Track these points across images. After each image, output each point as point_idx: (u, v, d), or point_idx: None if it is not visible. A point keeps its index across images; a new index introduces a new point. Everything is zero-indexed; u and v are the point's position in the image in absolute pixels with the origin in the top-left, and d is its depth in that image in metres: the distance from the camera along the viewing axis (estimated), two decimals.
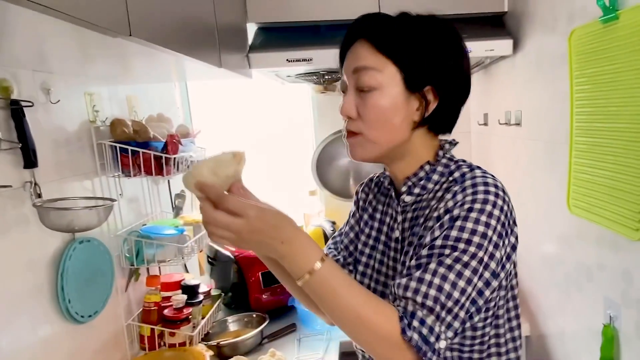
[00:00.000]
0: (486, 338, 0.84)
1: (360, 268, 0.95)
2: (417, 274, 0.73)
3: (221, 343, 1.45)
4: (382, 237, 0.93)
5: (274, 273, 0.93)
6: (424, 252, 0.75)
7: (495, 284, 0.75)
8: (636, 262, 0.99)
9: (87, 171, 1.21)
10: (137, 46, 0.81)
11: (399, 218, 0.89)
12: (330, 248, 1.03)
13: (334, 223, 2.13)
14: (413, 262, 0.76)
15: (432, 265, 0.73)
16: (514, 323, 0.88)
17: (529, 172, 1.57)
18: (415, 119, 0.82)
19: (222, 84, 2.18)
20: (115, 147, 1.24)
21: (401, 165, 0.87)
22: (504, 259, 0.77)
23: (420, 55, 0.79)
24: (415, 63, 0.79)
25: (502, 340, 0.86)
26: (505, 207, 0.76)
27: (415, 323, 0.70)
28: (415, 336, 0.69)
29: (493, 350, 0.85)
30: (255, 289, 1.66)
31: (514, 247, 0.79)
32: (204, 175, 0.70)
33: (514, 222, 0.79)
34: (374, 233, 0.95)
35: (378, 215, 0.96)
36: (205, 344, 1.43)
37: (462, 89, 0.85)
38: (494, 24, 1.70)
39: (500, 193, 0.77)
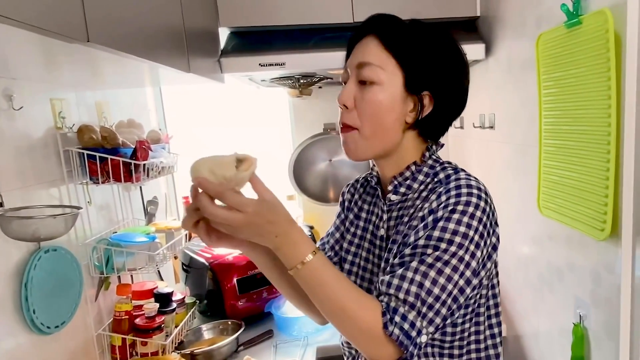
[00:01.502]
0: (466, 334, 0.87)
1: (346, 266, 0.97)
2: (400, 271, 0.76)
3: (195, 351, 1.43)
4: (368, 236, 0.96)
5: (260, 268, 0.95)
6: (407, 251, 0.78)
7: (475, 282, 0.78)
8: (603, 262, 1.00)
9: (53, 179, 1.18)
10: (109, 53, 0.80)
11: (385, 217, 0.91)
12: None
13: (312, 228, 2.13)
14: (396, 260, 0.79)
15: (414, 264, 0.75)
16: (494, 320, 0.90)
17: (503, 174, 1.59)
18: (408, 121, 0.85)
19: (198, 88, 2.16)
20: (83, 153, 1.21)
21: (390, 165, 0.90)
22: (485, 258, 0.80)
23: (424, 60, 0.83)
24: (418, 66, 0.82)
25: (481, 336, 0.89)
26: (487, 209, 0.79)
27: (397, 319, 0.73)
28: (397, 331, 0.72)
29: (473, 346, 0.88)
30: (231, 295, 1.64)
31: (494, 247, 0.83)
32: (201, 171, 0.71)
33: (496, 223, 0.83)
34: (359, 232, 0.98)
35: (364, 215, 0.98)
36: (178, 353, 1.40)
37: (457, 101, 0.89)
38: (467, 29, 1.72)
39: (483, 195, 0.80)
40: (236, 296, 1.66)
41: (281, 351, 1.54)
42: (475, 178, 0.83)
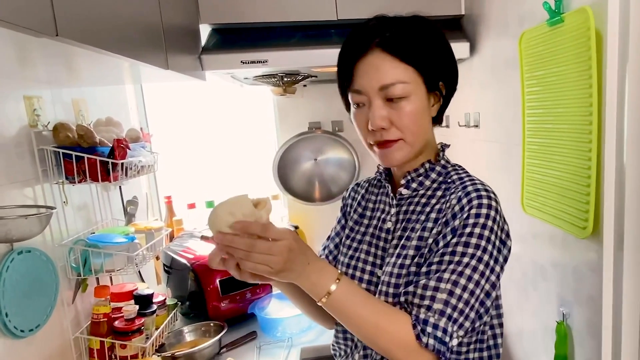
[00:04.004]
0: (473, 339, 0.91)
1: (346, 260, 0.98)
2: (429, 283, 0.79)
3: (176, 354, 1.41)
4: (371, 230, 0.97)
5: (290, 298, 0.99)
6: (435, 259, 0.81)
7: (498, 284, 0.83)
8: (585, 260, 1.00)
9: (27, 178, 1.14)
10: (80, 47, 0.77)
11: (393, 211, 0.94)
12: (320, 255, 1.08)
13: (296, 227, 2.11)
14: (424, 269, 0.82)
15: (445, 274, 0.79)
16: (495, 321, 0.95)
17: (488, 173, 1.59)
18: (433, 115, 0.90)
19: (182, 87, 2.13)
20: (59, 152, 1.18)
21: (413, 161, 0.92)
22: (502, 262, 0.84)
23: (433, 57, 0.86)
24: (431, 65, 0.85)
25: (485, 336, 0.93)
26: (498, 218, 0.85)
27: (429, 329, 0.76)
28: (431, 341, 0.76)
29: (477, 345, 0.92)
30: (213, 297, 1.62)
31: (505, 259, 0.86)
32: (221, 215, 0.74)
33: (507, 235, 0.87)
34: (362, 229, 1.00)
35: (369, 213, 1.01)
36: (159, 356, 1.38)
37: (457, 76, 0.93)
38: (452, 27, 1.72)
39: (499, 208, 0.85)
40: (219, 297, 1.63)
41: (265, 353, 1.52)
42: (487, 184, 0.88)
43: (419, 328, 0.76)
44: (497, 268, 0.82)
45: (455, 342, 0.77)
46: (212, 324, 1.61)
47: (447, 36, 0.95)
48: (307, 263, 0.77)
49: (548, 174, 1.10)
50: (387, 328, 0.78)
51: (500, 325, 0.95)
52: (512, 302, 1.47)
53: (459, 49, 1.61)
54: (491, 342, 0.93)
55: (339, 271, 0.82)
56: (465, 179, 0.89)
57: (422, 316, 0.77)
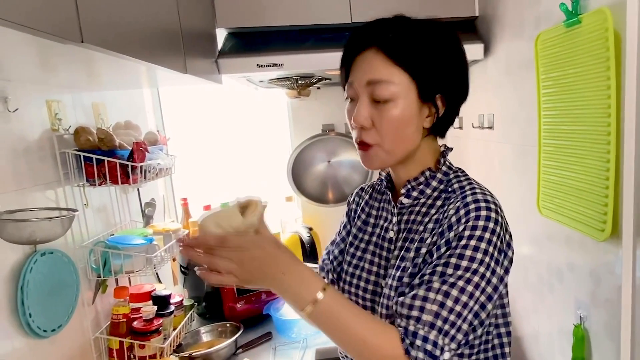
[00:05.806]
0: (476, 342, 0.89)
1: (351, 269, 0.96)
2: (419, 292, 0.77)
3: (194, 354, 1.42)
4: (374, 239, 0.95)
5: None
6: (428, 270, 0.79)
7: (495, 297, 0.80)
8: (603, 263, 0.99)
9: (49, 181, 1.17)
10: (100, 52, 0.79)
11: (394, 220, 0.91)
12: (324, 260, 1.06)
13: (310, 229, 2.12)
14: (416, 281, 0.79)
15: (435, 285, 0.76)
16: (503, 330, 0.92)
17: (502, 174, 1.58)
18: (425, 126, 0.86)
19: (197, 90, 2.16)
20: (80, 155, 1.20)
21: (406, 169, 0.90)
22: (503, 272, 0.81)
23: (432, 66, 0.82)
24: (428, 74, 0.81)
25: (490, 345, 0.91)
26: (504, 224, 0.82)
27: (419, 342, 0.73)
28: (421, 354, 0.73)
29: (482, 355, 0.90)
30: (229, 298, 1.64)
31: (507, 270, 0.83)
32: (209, 227, 0.73)
33: (508, 246, 0.84)
34: (366, 237, 0.98)
35: (372, 220, 0.99)
36: (177, 356, 1.40)
37: (465, 92, 0.90)
38: (466, 29, 1.72)
39: (499, 218, 0.81)
40: (235, 298, 1.65)
41: (280, 354, 1.53)
42: (489, 192, 0.85)
43: (407, 341, 0.74)
44: (495, 280, 0.78)
45: (447, 355, 0.74)
46: (228, 325, 1.62)
47: (460, 38, 0.92)
48: (281, 272, 0.74)
49: (565, 175, 1.10)
50: (373, 341, 0.75)
51: (508, 334, 0.92)
52: (527, 304, 1.46)
53: (473, 50, 1.60)
54: (498, 352, 0.91)
55: (326, 281, 0.80)
56: (466, 187, 0.85)
57: (411, 328, 0.74)
